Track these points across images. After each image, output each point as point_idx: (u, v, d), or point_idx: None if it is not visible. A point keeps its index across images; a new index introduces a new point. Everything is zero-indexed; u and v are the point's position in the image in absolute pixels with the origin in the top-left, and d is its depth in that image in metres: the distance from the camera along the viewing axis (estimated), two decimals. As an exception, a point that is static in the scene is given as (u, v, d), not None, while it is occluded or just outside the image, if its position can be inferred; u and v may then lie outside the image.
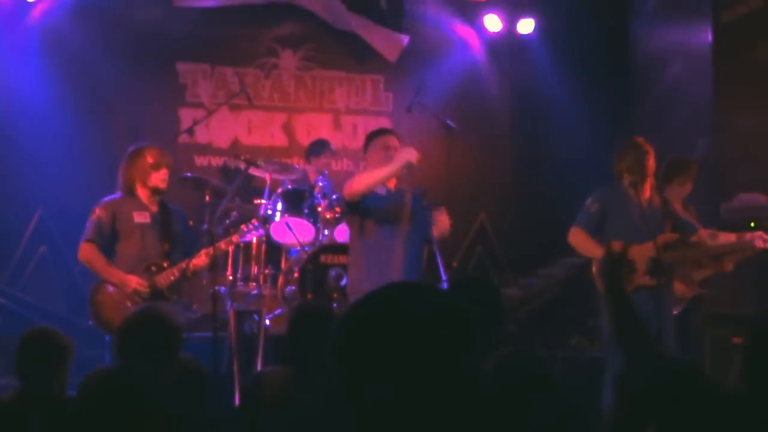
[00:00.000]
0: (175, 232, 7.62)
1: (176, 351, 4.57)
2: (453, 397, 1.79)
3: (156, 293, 7.29)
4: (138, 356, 4.47)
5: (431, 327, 1.83)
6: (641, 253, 7.33)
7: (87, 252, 7.43)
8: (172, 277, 7.34)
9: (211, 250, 7.48)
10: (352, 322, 1.90)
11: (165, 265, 7.41)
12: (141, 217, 7.49)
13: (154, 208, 7.57)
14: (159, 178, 7.52)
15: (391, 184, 7.42)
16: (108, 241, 7.45)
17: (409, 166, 7.07)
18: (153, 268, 7.37)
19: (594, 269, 7.54)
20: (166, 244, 7.52)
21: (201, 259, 7.46)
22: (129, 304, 7.18)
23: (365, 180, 7.16)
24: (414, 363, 1.79)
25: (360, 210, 7.28)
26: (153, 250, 7.46)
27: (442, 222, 7.27)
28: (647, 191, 7.52)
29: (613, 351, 7.11)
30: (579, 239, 7.58)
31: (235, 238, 7.78)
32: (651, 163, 7.52)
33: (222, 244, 7.68)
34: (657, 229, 7.33)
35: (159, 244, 7.50)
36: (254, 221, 8.00)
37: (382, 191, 7.33)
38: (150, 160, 7.52)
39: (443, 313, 1.86)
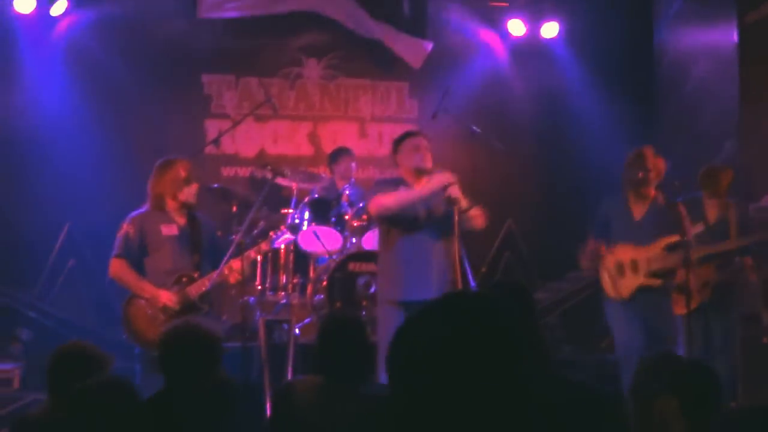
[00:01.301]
0: (204, 242, 7.61)
1: (216, 365, 4.58)
2: (509, 407, 1.78)
3: (187, 304, 7.28)
4: (180, 372, 4.48)
5: (492, 338, 1.81)
6: (647, 254, 7.60)
7: (117, 268, 7.42)
8: (203, 288, 7.32)
9: (241, 258, 7.48)
10: (411, 333, 1.88)
11: (195, 276, 7.40)
12: (169, 230, 7.47)
13: (182, 220, 7.55)
14: (190, 193, 7.51)
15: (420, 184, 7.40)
16: (137, 256, 7.43)
17: (445, 189, 7.09)
18: (184, 279, 7.36)
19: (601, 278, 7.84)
20: (196, 255, 7.50)
21: (238, 265, 7.42)
22: (162, 317, 7.20)
23: (399, 201, 7.16)
24: (473, 374, 1.77)
25: (389, 220, 7.27)
26: (183, 262, 7.44)
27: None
28: (648, 199, 7.76)
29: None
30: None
31: (264, 246, 7.77)
32: (652, 175, 7.71)
33: (252, 252, 7.66)
34: (657, 233, 7.63)
35: (189, 255, 7.49)
36: (282, 228, 8.00)
37: None
38: (183, 174, 7.49)
39: (503, 324, 1.84)
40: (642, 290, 7.60)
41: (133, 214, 7.55)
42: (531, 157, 11.99)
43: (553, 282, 11.24)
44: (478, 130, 8.92)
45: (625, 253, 7.66)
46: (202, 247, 7.57)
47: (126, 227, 7.44)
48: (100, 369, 4.93)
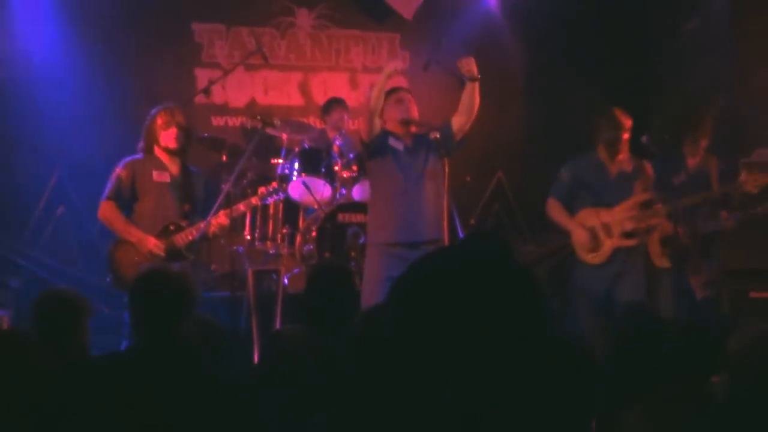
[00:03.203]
0: (196, 194, 7.65)
1: (190, 310, 4.50)
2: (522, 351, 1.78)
3: (174, 252, 7.33)
4: (152, 317, 4.41)
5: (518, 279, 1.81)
6: (617, 216, 7.68)
7: (106, 210, 7.51)
8: (190, 237, 7.38)
9: (229, 210, 7.52)
10: (416, 282, 1.86)
11: (184, 224, 7.45)
12: (160, 177, 7.55)
13: (175, 170, 7.61)
14: (169, 138, 7.55)
15: (408, 135, 7.49)
16: (128, 200, 7.54)
17: (394, 74, 7.54)
18: (171, 228, 7.42)
19: (572, 241, 7.86)
20: (186, 204, 7.57)
21: (222, 219, 7.50)
22: (146, 263, 7.23)
23: (365, 108, 7.70)
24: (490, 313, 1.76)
25: (378, 156, 7.49)
26: (172, 209, 7.51)
27: (467, 64, 7.63)
28: (620, 158, 7.82)
29: None
30: (554, 212, 8.00)
31: (254, 201, 7.82)
32: (626, 137, 7.77)
33: (241, 206, 7.71)
34: (628, 193, 7.73)
35: (178, 204, 7.55)
36: (274, 184, 8.01)
37: (399, 146, 7.42)
38: (159, 121, 7.57)
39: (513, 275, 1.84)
40: (617, 252, 7.66)
41: (128, 158, 7.64)
42: (521, 110, 11.96)
43: (542, 234, 11.26)
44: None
45: (594, 217, 7.71)
46: (193, 197, 7.62)
47: (119, 171, 7.54)
48: (79, 316, 4.95)
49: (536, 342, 1.79)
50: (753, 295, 8.55)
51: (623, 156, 7.81)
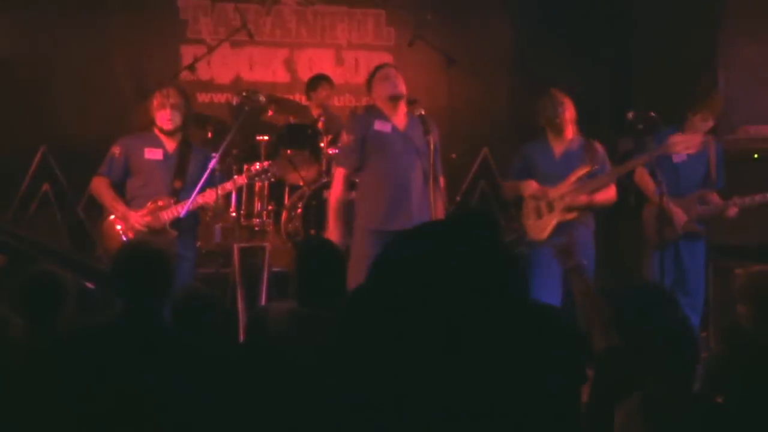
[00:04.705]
0: (191, 171, 7.65)
1: (167, 282, 4.50)
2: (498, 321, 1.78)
3: (158, 228, 7.35)
4: (130, 289, 4.41)
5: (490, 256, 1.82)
6: (558, 192, 7.79)
7: (96, 185, 7.64)
8: (175, 213, 7.40)
9: (216, 189, 7.53)
10: (406, 246, 1.87)
11: (172, 201, 7.47)
12: (152, 155, 7.63)
13: (171, 147, 7.67)
14: (163, 119, 7.62)
15: (396, 112, 7.45)
16: (120, 177, 7.64)
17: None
18: (160, 203, 7.44)
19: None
20: (177, 181, 7.59)
21: (211, 197, 7.50)
22: (130, 238, 7.30)
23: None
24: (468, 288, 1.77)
25: (368, 142, 7.41)
26: (161, 187, 7.55)
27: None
28: (566, 137, 7.92)
29: None
30: (510, 189, 8.23)
31: (239, 180, 7.82)
32: (567, 114, 7.88)
33: (228, 185, 7.72)
34: (570, 170, 7.81)
35: (169, 181, 7.58)
36: (266, 164, 8.01)
37: (387, 129, 7.36)
38: (155, 102, 7.64)
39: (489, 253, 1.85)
40: (560, 226, 7.72)
41: (123, 137, 7.78)
42: (507, 86, 11.95)
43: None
44: (455, 59, 8.85)
45: (539, 192, 7.85)
46: (187, 174, 7.62)
47: (113, 148, 7.67)
48: (63, 294, 4.95)
49: (517, 312, 1.80)
50: (738, 272, 8.56)
51: (569, 135, 7.90)
